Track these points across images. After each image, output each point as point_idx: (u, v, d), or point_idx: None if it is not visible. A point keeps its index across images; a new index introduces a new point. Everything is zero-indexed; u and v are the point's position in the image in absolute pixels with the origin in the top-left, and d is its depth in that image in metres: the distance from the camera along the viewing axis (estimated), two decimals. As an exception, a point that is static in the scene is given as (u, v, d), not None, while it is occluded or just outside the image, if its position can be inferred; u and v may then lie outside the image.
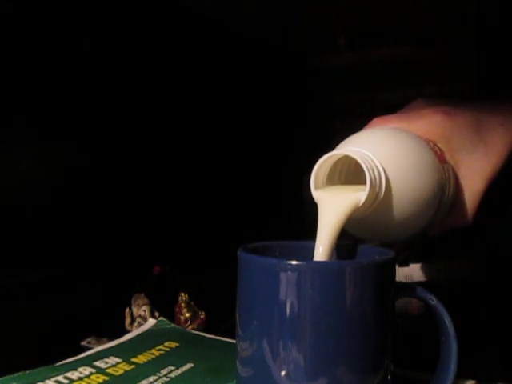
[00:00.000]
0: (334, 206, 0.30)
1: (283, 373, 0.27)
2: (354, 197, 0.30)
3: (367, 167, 0.29)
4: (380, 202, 0.30)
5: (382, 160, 0.30)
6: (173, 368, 0.39)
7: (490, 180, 0.37)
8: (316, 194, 0.31)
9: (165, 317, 0.50)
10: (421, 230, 0.35)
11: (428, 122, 0.36)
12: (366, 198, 0.29)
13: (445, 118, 0.36)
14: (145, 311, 0.51)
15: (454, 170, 0.37)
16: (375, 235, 0.34)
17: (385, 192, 0.30)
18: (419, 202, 0.32)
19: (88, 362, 0.40)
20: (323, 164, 0.31)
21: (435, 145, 0.36)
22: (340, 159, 0.32)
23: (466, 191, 0.37)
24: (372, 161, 0.30)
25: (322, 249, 0.30)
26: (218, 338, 0.46)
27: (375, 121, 0.38)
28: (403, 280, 0.56)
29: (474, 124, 0.37)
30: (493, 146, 0.36)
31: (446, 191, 0.35)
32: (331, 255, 0.30)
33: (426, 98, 0.40)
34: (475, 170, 0.36)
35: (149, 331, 0.48)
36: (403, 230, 0.34)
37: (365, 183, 0.29)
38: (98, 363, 0.39)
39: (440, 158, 0.35)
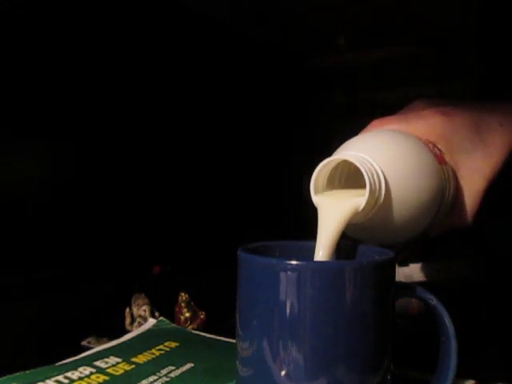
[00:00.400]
0: (333, 211, 0.30)
1: (283, 373, 0.27)
2: (353, 202, 0.30)
3: (367, 172, 0.29)
4: (380, 206, 0.30)
5: (381, 164, 0.30)
6: (173, 368, 0.39)
7: (490, 180, 0.37)
8: (316, 198, 0.31)
9: (165, 317, 0.50)
10: (421, 231, 0.35)
11: (427, 123, 0.36)
12: (365, 203, 0.29)
13: (444, 118, 0.36)
14: (145, 311, 0.51)
15: (453, 171, 0.36)
16: (375, 238, 0.34)
17: (384, 196, 0.30)
18: (419, 205, 0.32)
19: (88, 361, 0.40)
20: (323, 169, 0.31)
21: (435, 146, 0.36)
22: (339, 163, 0.32)
23: (466, 191, 0.37)
24: (371, 165, 0.30)
25: (321, 254, 0.30)
26: (218, 337, 0.46)
27: (374, 123, 0.38)
28: (403, 280, 0.56)
29: (474, 124, 0.37)
30: (493, 146, 0.36)
31: (446, 193, 0.35)
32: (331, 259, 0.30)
33: (426, 99, 0.40)
34: (475, 170, 0.36)
35: (149, 331, 0.48)
36: (404, 232, 0.34)
37: (364, 186, 0.29)
38: (98, 363, 0.39)
39: (439, 159, 0.35)
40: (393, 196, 0.31)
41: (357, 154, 0.31)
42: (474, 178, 0.36)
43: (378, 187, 0.30)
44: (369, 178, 0.29)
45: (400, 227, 0.33)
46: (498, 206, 0.43)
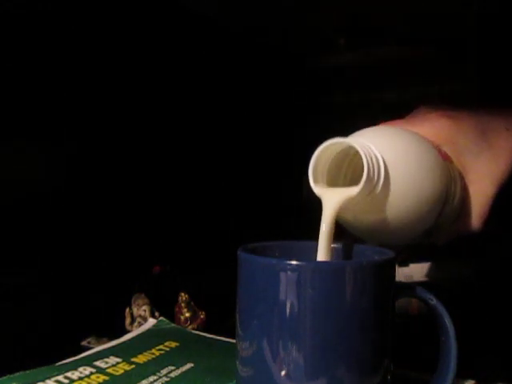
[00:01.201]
0: (330, 196, 0.30)
1: (283, 373, 0.27)
2: (350, 189, 0.30)
3: (365, 155, 0.29)
4: (380, 194, 0.30)
5: (381, 150, 0.30)
6: (173, 368, 0.39)
7: (500, 184, 0.36)
8: (317, 189, 0.31)
9: (165, 317, 0.51)
10: (424, 231, 0.35)
11: (433, 126, 0.36)
12: (362, 185, 0.29)
13: (450, 121, 0.36)
14: (145, 311, 0.51)
15: (460, 174, 0.36)
16: (376, 238, 0.34)
17: (384, 184, 0.30)
18: (421, 198, 0.32)
19: (88, 361, 0.40)
20: (321, 155, 0.30)
21: (440, 148, 0.36)
22: (344, 161, 0.31)
23: (475, 196, 0.36)
24: (370, 148, 0.30)
25: (320, 242, 0.30)
26: (218, 337, 0.46)
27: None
28: (403, 280, 0.56)
29: (480, 128, 0.36)
30: (500, 149, 0.36)
31: (451, 191, 0.34)
32: (331, 246, 0.30)
33: (429, 105, 0.40)
34: (484, 174, 0.36)
35: (149, 331, 0.48)
36: (405, 231, 0.33)
37: None
38: (98, 363, 0.39)
39: (444, 156, 0.34)
40: (392, 185, 0.30)
41: (356, 139, 0.30)
42: (483, 181, 0.36)
43: (376, 172, 0.29)
44: (367, 160, 0.29)
45: (401, 223, 0.32)
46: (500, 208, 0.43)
